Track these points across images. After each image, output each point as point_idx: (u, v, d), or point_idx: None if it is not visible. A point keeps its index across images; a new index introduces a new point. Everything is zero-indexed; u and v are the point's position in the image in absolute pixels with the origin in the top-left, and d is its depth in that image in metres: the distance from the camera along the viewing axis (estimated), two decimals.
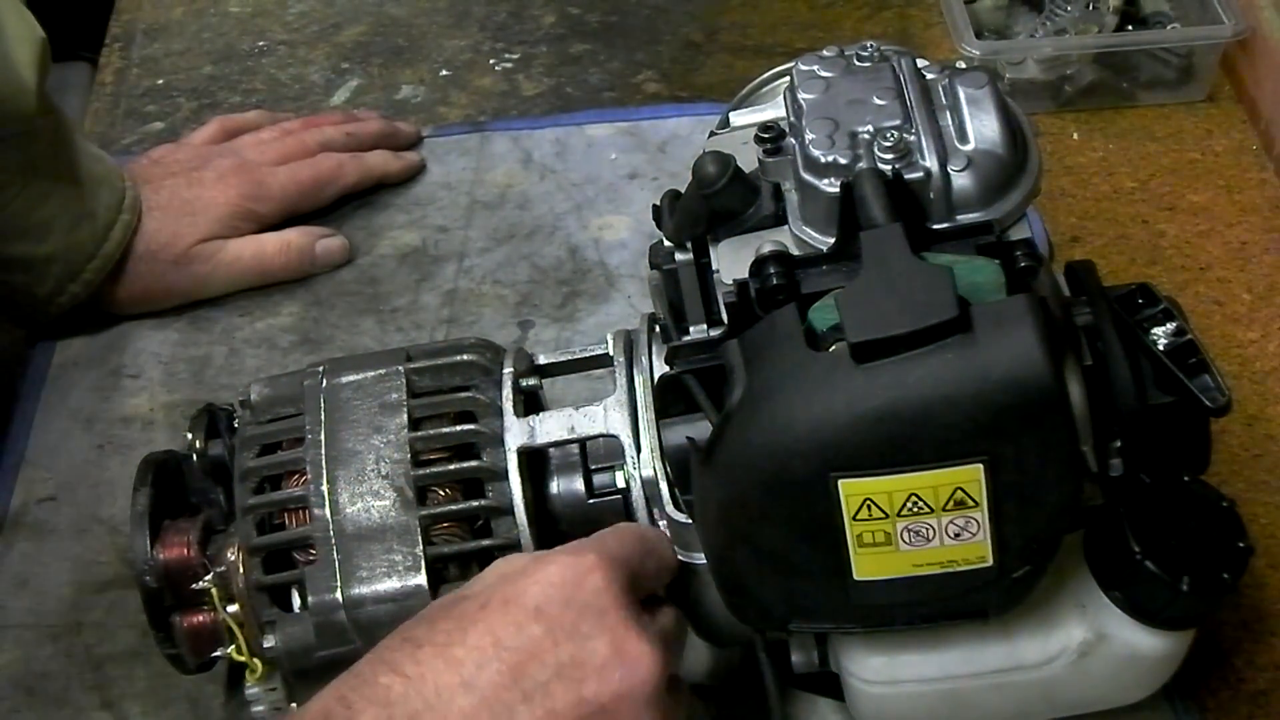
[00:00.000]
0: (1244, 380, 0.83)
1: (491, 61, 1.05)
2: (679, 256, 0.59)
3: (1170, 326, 0.57)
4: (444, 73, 1.04)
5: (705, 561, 0.57)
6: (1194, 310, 0.86)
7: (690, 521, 0.58)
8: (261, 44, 1.07)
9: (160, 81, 1.05)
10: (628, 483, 0.61)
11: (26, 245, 0.82)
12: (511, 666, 0.52)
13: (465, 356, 0.64)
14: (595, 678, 0.52)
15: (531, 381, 0.64)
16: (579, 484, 0.63)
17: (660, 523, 0.60)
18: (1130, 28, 0.97)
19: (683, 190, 0.58)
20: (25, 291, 0.84)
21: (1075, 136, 0.97)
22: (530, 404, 0.64)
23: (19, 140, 0.80)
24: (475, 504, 0.61)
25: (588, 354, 0.66)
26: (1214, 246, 0.90)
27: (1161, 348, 0.57)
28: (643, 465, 0.60)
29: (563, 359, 0.66)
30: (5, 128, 0.79)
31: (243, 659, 0.62)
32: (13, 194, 0.80)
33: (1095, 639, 0.58)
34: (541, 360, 0.66)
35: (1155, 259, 0.89)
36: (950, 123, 0.55)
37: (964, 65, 0.58)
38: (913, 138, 0.54)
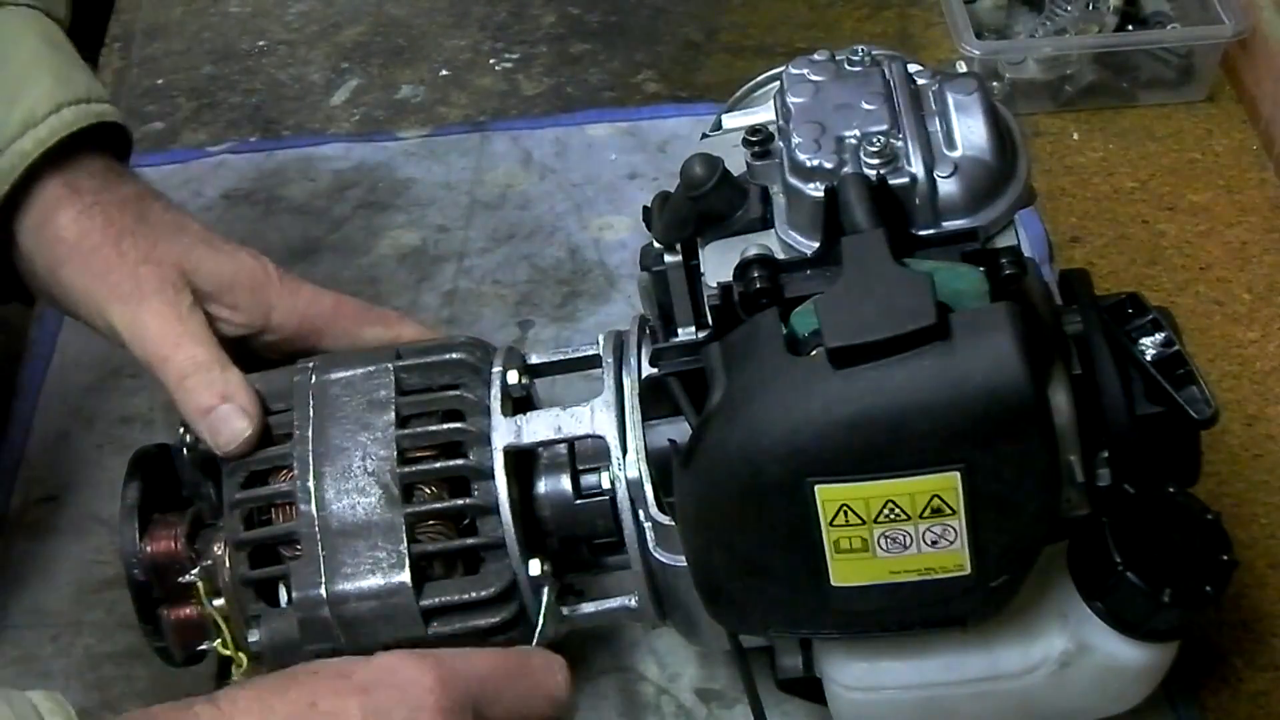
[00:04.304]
0: (1244, 380, 0.82)
1: (491, 61, 1.05)
2: (668, 258, 0.59)
3: (1159, 337, 0.57)
4: (444, 73, 1.04)
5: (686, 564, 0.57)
6: (1194, 310, 0.86)
7: (673, 523, 0.58)
8: (261, 44, 1.08)
9: (160, 81, 1.05)
10: (613, 484, 0.61)
11: None
12: None
13: (454, 355, 0.64)
14: None
15: (521, 381, 0.64)
16: (566, 484, 0.63)
17: (645, 524, 0.60)
18: (1130, 28, 0.97)
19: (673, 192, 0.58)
20: None
21: (1075, 136, 0.97)
22: (521, 404, 0.64)
23: None
24: (461, 502, 0.60)
25: (579, 354, 0.66)
26: (1214, 246, 0.89)
27: (1149, 358, 0.56)
28: (628, 467, 0.60)
29: (554, 359, 0.66)
30: None
31: (228, 653, 0.62)
32: None
33: (1076, 649, 0.57)
34: (532, 360, 0.66)
35: (1155, 259, 0.89)
36: (938, 129, 0.55)
37: (957, 70, 0.58)
38: (899, 143, 0.54)
